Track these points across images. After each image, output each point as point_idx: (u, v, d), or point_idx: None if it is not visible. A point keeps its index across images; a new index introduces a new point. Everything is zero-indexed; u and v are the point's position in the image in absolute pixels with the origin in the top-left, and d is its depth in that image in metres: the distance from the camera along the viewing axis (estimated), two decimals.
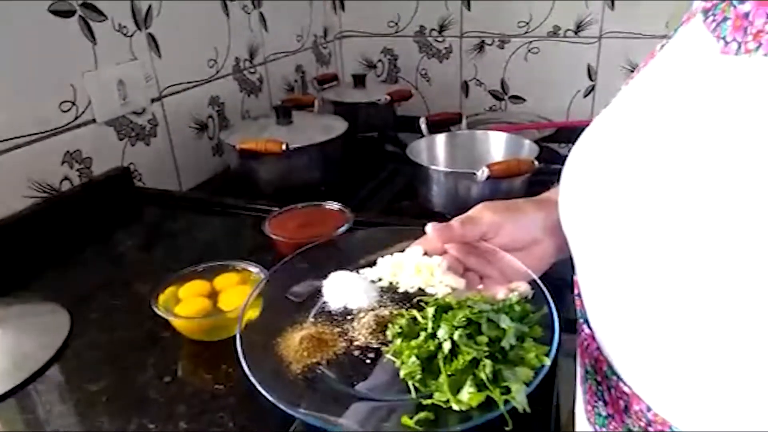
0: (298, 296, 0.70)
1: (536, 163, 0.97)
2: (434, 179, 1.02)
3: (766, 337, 0.29)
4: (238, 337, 0.47)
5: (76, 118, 0.97)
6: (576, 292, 0.49)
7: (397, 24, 1.72)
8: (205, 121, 1.27)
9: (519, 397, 0.38)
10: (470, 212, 0.55)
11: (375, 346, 0.47)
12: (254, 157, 1.08)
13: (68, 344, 0.67)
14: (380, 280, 0.53)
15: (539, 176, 1.10)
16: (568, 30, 1.56)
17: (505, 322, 0.42)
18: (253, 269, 0.70)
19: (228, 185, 1.21)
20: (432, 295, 0.49)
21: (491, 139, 1.16)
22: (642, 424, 0.39)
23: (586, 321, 0.46)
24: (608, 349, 0.42)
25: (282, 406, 0.40)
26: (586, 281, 0.44)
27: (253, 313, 0.66)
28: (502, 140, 1.14)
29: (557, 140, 1.41)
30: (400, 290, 0.52)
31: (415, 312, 0.47)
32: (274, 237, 0.80)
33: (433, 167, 1.02)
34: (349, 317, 0.51)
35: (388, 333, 0.47)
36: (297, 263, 0.59)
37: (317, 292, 0.55)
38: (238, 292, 0.67)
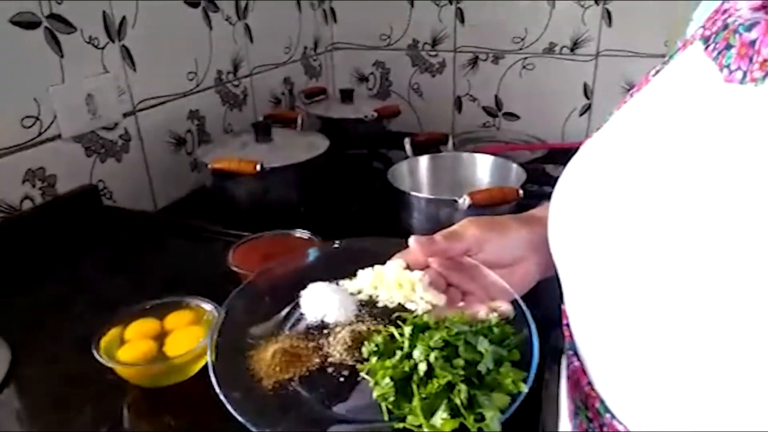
0: (255, 338, 0.66)
1: (521, 192, 0.92)
2: (415, 205, 0.97)
3: (763, 376, 0.28)
4: (210, 363, 0.45)
5: (40, 134, 0.92)
6: (565, 322, 0.47)
7: (389, 37, 1.67)
8: (183, 136, 1.22)
9: (493, 425, 0.37)
10: (455, 227, 0.54)
11: (350, 363, 0.46)
12: (229, 176, 1.03)
13: (6, 383, 0.62)
14: (359, 292, 0.52)
15: (530, 200, 1.06)
16: (564, 47, 1.51)
17: (483, 344, 0.41)
18: (207, 307, 0.66)
19: (204, 204, 1.17)
20: (411, 312, 0.48)
21: (477, 163, 1.11)
22: None
23: (576, 353, 0.44)
24: (600, 383, 0.40)
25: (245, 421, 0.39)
26: (575, 310, 0.42)
27: (203, 360, 0.61)
28: (488, 164, 1.09)
29: (550, 161, 1.36)
30: (380, 305, 0.50)
31: (392, 329, 0.45)
32: (237, 270, 0.75)
33: (413, 193, 0.97)
34: (325, 331, 0.50)
35: (364, 350, 0.45)
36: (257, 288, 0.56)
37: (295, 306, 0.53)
38: (188, 333, 0.62)
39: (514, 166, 1.05)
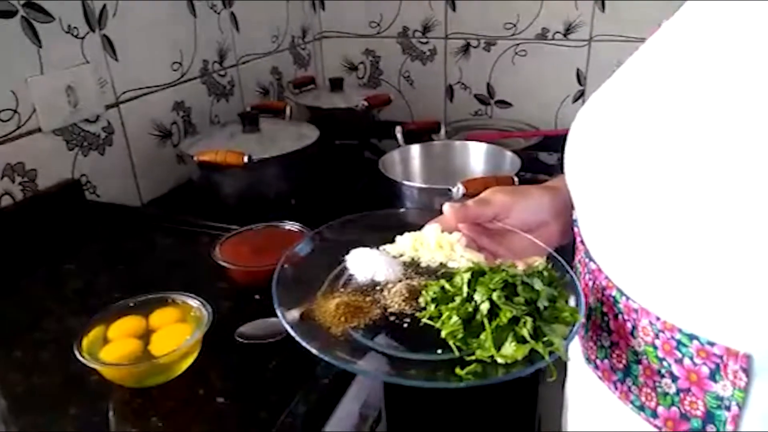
0: (245, 337, 0.64)
1: (516, 180, 0.90)
2: (407, 195, 0.95)
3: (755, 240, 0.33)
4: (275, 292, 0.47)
5: (18, 127, 0.89)
6: (578, 239, 0.52)
7: (379, 24, 1.64)
8: (168, 128, 1.19)
9: (561, 349, 0.42)
10: (483, 194, 0.57)
11: (409, 312, 0.48)
12: (215, 168, 1.00)
13: None
14: (401, 255, 0.54)
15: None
16: (557, 32, 1.49)
17: (538, 284, 0.45)
18: (194, 303, 0.63)
19: (190, 198, 1.14)
20: (455, 269, 0.50)
21: (470, 151, 1.09)
22: (649, 338, 0.42)
23: (591, 259, 0.48)
24: (615, 274, 0.45)
25: (339, 364, 0.42)
26: (589, 221, 0.48)
27: (190, 359, 0.59)
28: (482, 152, 1.07)
29: (543, 148, 1.35)
30: (422, 265, 0.53)
31: (443, 282, 0.48)
32: (223, 264, 0.73)
33: (406, 183, 0.95)
34: (378, 288, 0.51)
35: (421, 300, 0.48)
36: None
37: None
38: (174, 331, 0.60)
39: (509, 153, 1.03)
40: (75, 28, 0.96)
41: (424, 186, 0.97)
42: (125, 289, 0.75)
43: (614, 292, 0.45)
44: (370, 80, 1.73)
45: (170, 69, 1.18)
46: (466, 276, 0.46)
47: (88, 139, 1.01)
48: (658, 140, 0.39)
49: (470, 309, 0.44)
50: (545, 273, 0.48)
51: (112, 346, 0.58)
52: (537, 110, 1.57)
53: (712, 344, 0.38)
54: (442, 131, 1.20)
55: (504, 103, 1.62)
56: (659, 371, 0.42)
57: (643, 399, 0.45)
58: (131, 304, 0.63)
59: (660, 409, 0.43)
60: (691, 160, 0.37)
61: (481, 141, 1.10)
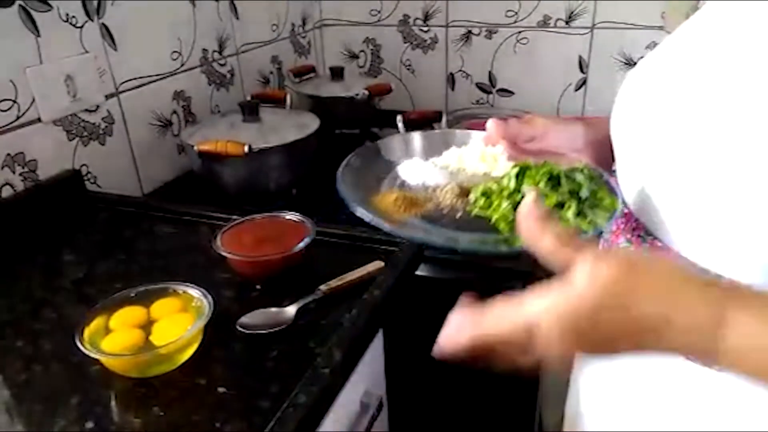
0: (247, 327, 0.64)
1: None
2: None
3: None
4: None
5: (18, 117, 0.89)
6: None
7: (379, 12, 1.63)
8: (168, 118, 1.19)
9: (604, 225, 0.47)
10: (525, 117, 0.61)
11: (460, 206, 0.53)
12: (216, 158, 1.00)
13: None
14: (448, 167, 0.59)
15: None
16: (559, 19, 1.48)
17: (579, 177, 0.51)
18: (195, 293, 0.63)
19: (192, 188, 1.14)
20: (499, 177, 0.54)
21: (472, 139, 1.08)
22: None
23: (624, 204, 0.53)
24: (644, 216, 0.51)
25: (410, 237, 0.51)
26: (626, 169, 0.53)
27: (192, 349, 0.59)
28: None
29: None
30: (468, 173, 0.57)
31: (490, 183, 0.52)
32: (225, 254, 0.72)
33: None
34: (429, 188, 0.56)
35: (471, 196, 0.53)
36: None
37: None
38: (175, 321, 0.60)
39: None
40: (73, 17, 0.96)
41: None
42: (126, 280, 0.75)
43: (641, 233, 0.51)
44: (371, 69, 1.72)
45: (170, 58, 1.18)
46: (514, 171, 0.51)
47: (88, 129, 1.01)
48: (694, 104, 0.45)
49: (518, 198, 0.49)
50: (585, 171, 0.52)
51: (114, 337, 0.58)
52: (539, 98, 1.56)
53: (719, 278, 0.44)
54: (444, 120, 1.19)
55: (506, 92, 1.61)
56: None
57: None
58: (132, 295, 0.63)
59: None
60: (722, 122, 0.42)
61: (482, 130, 1.09)
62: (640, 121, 0.51)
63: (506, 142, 0.58)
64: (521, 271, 0.88)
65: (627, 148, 0.54)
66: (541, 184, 0.49)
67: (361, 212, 0.50)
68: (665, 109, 0.48)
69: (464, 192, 0.54)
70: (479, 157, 0.58)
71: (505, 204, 0.49)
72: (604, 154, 0.60)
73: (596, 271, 0.35)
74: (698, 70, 0.47)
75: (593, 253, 0.36)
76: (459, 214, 0.52)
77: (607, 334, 0.36)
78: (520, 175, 0.51)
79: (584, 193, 0.49)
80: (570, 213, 0.48)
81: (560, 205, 0.48)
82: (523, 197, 0.46)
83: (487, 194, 0.51)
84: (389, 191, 0.55)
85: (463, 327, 0.39)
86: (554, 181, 0.50)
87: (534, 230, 0.39)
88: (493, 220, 0.50)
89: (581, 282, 0.35)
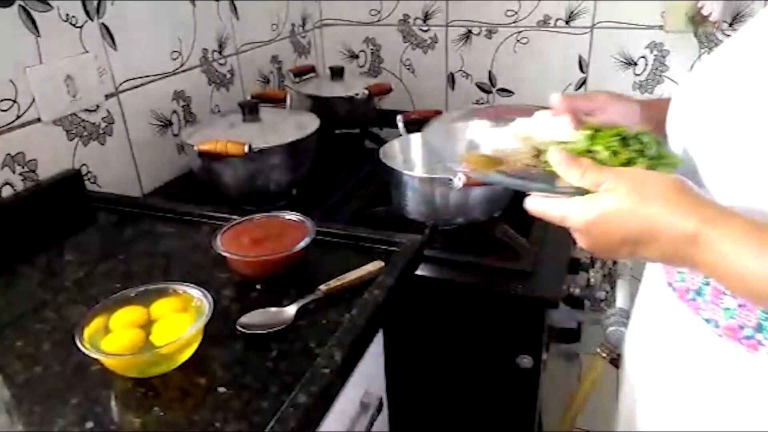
0: (246, 327, 0.64)
1: None
2: (408, 185, 0.95)
3: None
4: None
5: (18, 117, 0.89)
6: None
7: (379, 12, 1.63)
8: (168, 118, 1.19)
9: (673, 173, 0.52)
10: (587, 92, 0.71)
11: (534, 164, 0.59)
12: (216, 158, 1.00)
13: None
14: (518, 134, 0.65)
15: None
16: (559, 19, 1.48)
17: (645, 137, 0.56)
18: (195, 293, 0.63)
19: (192, 188, 1.14)
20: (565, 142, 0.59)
21: (472, 139, 1.08)
22: None
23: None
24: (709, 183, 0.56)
25: (508, 183, 0.58)
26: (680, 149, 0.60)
27: (192, 349, 0.59)
28: (483, 140, 1.06)
29: None
30: (537, 140, 0.63)
31: (560, 145, 0.57)
32: (225, 254, 0.73)
33: (406, 172, 0.94)
34: (506, 151, 0.62)
35: (545, 156, 0.56)
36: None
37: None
38: (175, 321, 0.60)
39: None
40: (73, 17, 0.96)
41: (424, 176, 0.96)
42: (126, 280, 0.76)
43: None
44: (371, 69, 1.72)
45: (170, 58, 1.18)
46: (587, 132, 0.58)
47: (88, 128, 1.01)
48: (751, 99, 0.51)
49: (591, 156, 0.54)
50: (649, 134, 0.58)
51: (114, 336, 0.58)
52: (539, 98, 1.55)
53: None
54: None
55: (506, 91, 1.61)
56: (723, 291, 0.55)
57: (709, 313, 0.57)
58: (132, 294, 0.63)
59: (721, 321, 0.56)
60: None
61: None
62: (698, 115, 0.58)
63: (570, 114, 0.64)
64: (521, 271, 0.88)
65: (683, 136, 0.60)
66: (612, 141, 0.56)
67: (460, 168, 0.60)
68: (722, 104, 0.55)
69: (538, 153, 0.61)
70: (547, 124, 0.65)
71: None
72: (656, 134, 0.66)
73: (611, 195, 0.49)
74: (758, 70, 0.52)
75: (615, 178, 0.49)
76: (535, 170, 0.58)
77: (611, 239, 0.49)
78: (592, 137, 0.58)
79: (651, 152, 0.55)
80: (641, 167, 0.53)
81: (630, 161, 0.54)
82: (594, 155, 0.55)
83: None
84: (470, 154, 0.64)
85: (537, 202, 0.54)
86: (624, 141, 0.56)
87: (570, 162, 0.52)
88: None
89: (600, 203, 0.49)
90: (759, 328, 0.53)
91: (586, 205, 0.50)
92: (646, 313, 0.72)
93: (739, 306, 0.54)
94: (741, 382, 0.56)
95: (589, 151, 0.56)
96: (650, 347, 0.69)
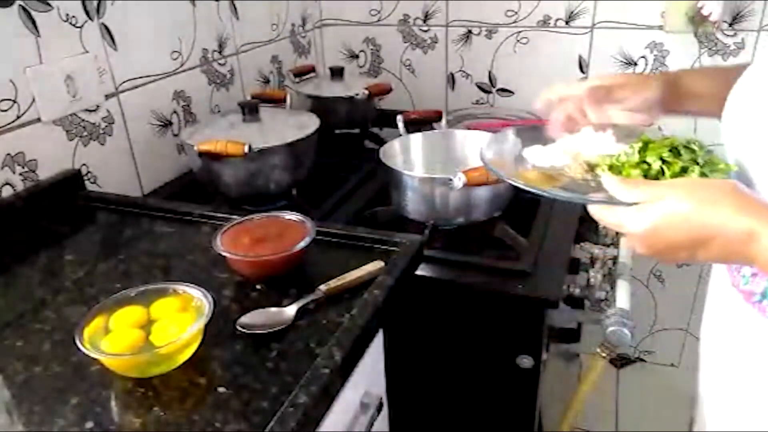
0: (246, 327, 0.64)
1: None
2: (408, 185, 0.95)
3: None
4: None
5: (18, 117, 0.89)
6: None
7: (379, 12, 1.63)
8: (168, 118, 1.19)
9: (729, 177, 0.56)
10: (604, 79, 0.74)
11: (590, 179, 0.63)
12: (216, 158, 1.00)
13: None
14: (568, 151, 0.68)
15: None
16: (559, 19, 1.48)
17: (696, 146, 0.59)
18: (195, 293, 0.63)
19: (192, 188, 1.14)
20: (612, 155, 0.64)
21: (472, 140, 1.08)
22: None
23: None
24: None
25: (557, 195, 0.61)
26: (739, 152, 0.62)
27: (192, 349, 0.59)
28: (483, 140, 1.06)
29: None
30: (584, 156, 0.67)
31: (614, 158, 0.62)
32: (225, 254, 0.73)
33: (406, 172, 0.95)
34: (558, 167, 0.66)
35: (598, 170, 0.62)
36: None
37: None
38: (175, 321, 0.60)
39: None
40: (73, 17, 0.96)
41: (424, 176, 0.96)
42: (126, 280, 0.76)
43: None
44: (371, 69, 1.72)
45: (170, 58, 1.18)
46: (637, 146, 0.61)
47: (88, 129, 1.01)
48: None
49: (644, 168, 0.58)
50: (697, 143, 0.60)
51: (114, 336, 0.58)
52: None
53: None
54: (443, 120, 1.20)
55: (506, 92, 1.61)
56: None
57: None
58: (132, 294, 0.63)
59: None
60: None
61: (482, 130, 1.10)
62: (751, 124, 0.60)
63: (594, 107, 0.70)
64: (521, 271, 0.88)
65: (736, 146, 0.62)
66: (666, 153, 0.58)
67: (517, 183, 0.62)
68: None
69: (592, 167, 0.64)
70: (592, 141, 0.69)
71: (634, 172, 0.59)
72: (669, 105, 0.74)
73: (668, 202, 0.52)
74: None
75: (669, 188, 0.53)
76: (592, 187, 0.62)
77: (670, 244, 0.52)
78: (644, 149, 0.60)
79: (701, 159, 0.58)
80: (695, 176, 0.56)
81: (684, 170, 0.57)
82: (647, 169, 0.59)
83: (613, 167, 0.61)
84: (524, 170, 0.67)
85: (597, 209, 0.58)
86: (675, 151, 0.59)
87: (623, 182, 0.56)
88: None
89: (657, 209, 0.52)
90: None
91: (644, 212, 0.53)
92: (716, 316, 0.73)
93: None
94: None
95: (644, 162, 0.59)
96: (723, 351, 0.71)
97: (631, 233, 0.54)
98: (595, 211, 0.57)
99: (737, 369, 0.68)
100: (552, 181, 0.64)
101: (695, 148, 0.60)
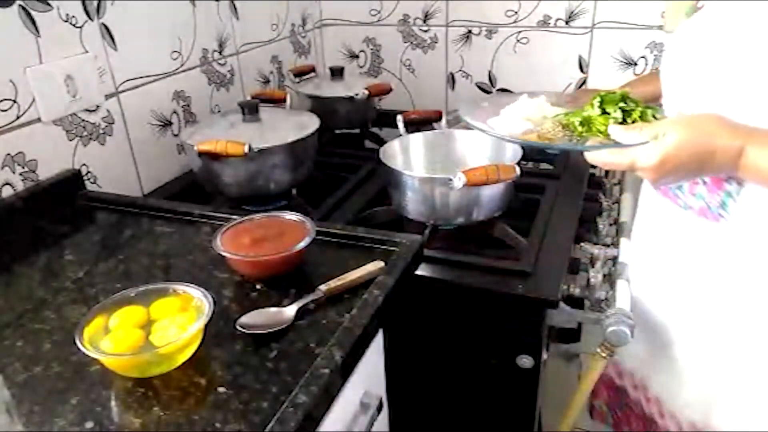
0: (246, 327, 0.64)
1: (518, 169, 0.90)
2: (408, 185, 0.95)
3: None
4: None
5: (18, 117, 0.89)
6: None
7: (379, 12, 1.63)
8: (168, 118, 1.19)
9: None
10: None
11: (567, 134, 0.77)
12: (216, 158, 1.00)
13: None
14: (530, 118, 0.84)
15: (527, 177, 1.04)
16: (559, 19, 1.48)
17: (633, 98, 0.76)
18: (195, 293, 0.63)
19: (192, 188, 1.14)
20: (566, 112, 0.82)
21: (472, 139, 1.08)
22: None
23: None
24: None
25: (552, 146, 0.81)
26: (674, 102, 0.79)
27: (192, 349, 0.59)
28: (483, 141, 1.06)
29: None
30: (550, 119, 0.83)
31: (576, 115, 0.78)
32: (225, 254, 0.73)
33: (406, 172, 0.94)
34: (525, 131, 0.81)
35: (570, 126, 0.77)
36: None
37: None
38: (175, 321, 0.60)
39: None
40: (73, 17, 0.96)
41: (424, 176, 0.96)
42: (126, 280, 0.76)
43: None
44: (371, 69, 1.72)
45: (170, 58, 1.18)
46: (596, 101, 0.75)
47: (88, 129, 1.01)
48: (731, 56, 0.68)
49: (609, 117, 0.73)
50: (632, 97, 0.76)
51: (114, 336, 0.58)
52: (546, 88, 1.56)
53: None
54: (444, 120, 1.19)
55: (505, 91, 1.61)
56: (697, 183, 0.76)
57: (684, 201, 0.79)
58: (132, 294, 0.63)
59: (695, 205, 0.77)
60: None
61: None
62: (688, 78, 0.74)
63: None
64: (521, 271, 0.88)
65: (676, 88, 0.77)
66: (622, 105, 0.73)
67: (513, 139, 0.79)
68: (710, 59, 0.70)
69: (563, 126, 0.78)
70: (532, 106, 0.85)
71: (601, 123, 0.73)
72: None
73: (675, 134, 0.65)
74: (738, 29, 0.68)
75: (669, 124, 0.67)
76: (571, 139, 0.76)
77: (682, 165, 0.66)
78: (601, 103, 0.74)
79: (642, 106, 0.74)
80: (651, 119, 0.73)
81: (641, 115, 0.72)
82: (607, 116, 0.73)
83: (583, 122, 0.76)
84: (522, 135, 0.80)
85: (601, 155, 0.72)
86: (626, 102, 0.74)
87: (626, 128, 0.71)
88: (599, 131, 0.74)
89: (668, 140, 0.65)
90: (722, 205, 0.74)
91: (657, 147, 0.66)
92: (647, 219, 0.91)
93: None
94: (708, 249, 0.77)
95: (606, 113, 0.73)
96: (649, 246, 0.89)
97: (645, 167, 0.67)
98: (606, 157, 0.70)
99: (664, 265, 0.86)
100: (546, 140, 0.77)
101: (633, 97, 0.75)
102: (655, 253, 0.88)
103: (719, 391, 0.82)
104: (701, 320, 0.82)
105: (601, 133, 0.74)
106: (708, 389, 0.84)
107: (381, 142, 1.35)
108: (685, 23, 0.76)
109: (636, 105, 0.74)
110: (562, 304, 0.86)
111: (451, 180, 0.89)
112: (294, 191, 1.14)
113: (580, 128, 0.76)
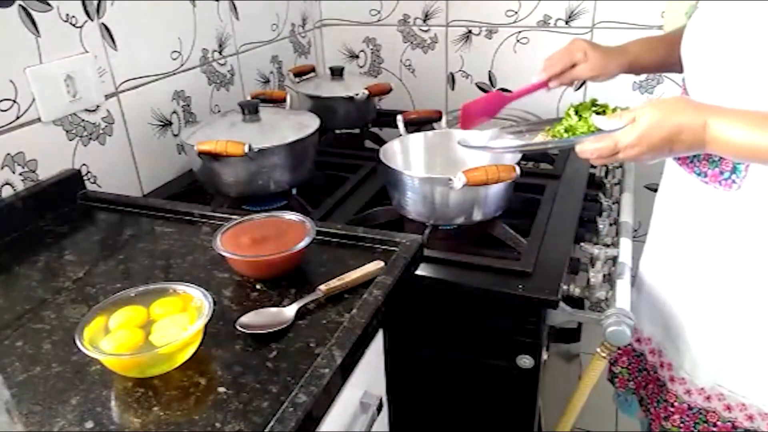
0: (246, 327, 0.64)
1: (517, 169, 0.90)
2: (408, 185, 0.95)
3: None
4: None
5: (18, 117, 0.89)
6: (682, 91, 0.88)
7: (379, 12, 1.63)
8: (168, 118, 1.19)
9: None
10: (568, 46, 1.01)
11: (557, 139, 0.84)
12: (216, 158, 1.00)
13: None
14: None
15: (527, 178, 1.04)
16: (559, 19, 1.48)
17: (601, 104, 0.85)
18: (195, 293, 0.63)
19: (192, 188, 1.14)
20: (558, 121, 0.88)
21: (472, 140, 1.07)
22: None
23: None
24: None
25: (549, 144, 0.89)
26: (696, 86, 0.83)
27: (192, 349, 0.59)
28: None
29: None
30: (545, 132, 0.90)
31: (560, 125, 0.86)
32: (225, 254, 0.73)
33: (406, 172, 0.94)
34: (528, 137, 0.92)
35: (556, 132, 0.85)
36: None
37: None
38: (175, 321, 0.60)
39: None
40: (73, 17, 0.96)
41: (424, 176, 0.96)
42: (126, 279, 0.76)
43: None
44: (371, 69, 1.72)
45: (170, 58, 1.18)
46: (572, 110, 0.84)
47: (88, 129, 1.01)
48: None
49: (587, 121, 0.80)
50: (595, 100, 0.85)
51: (114, 336, 0.58)
52: (539, 99, 1.55)
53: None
54: (444, 121, 1.20)
55: (506, 92, 1.60)
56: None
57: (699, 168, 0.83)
58: (132, 294, 0.63)
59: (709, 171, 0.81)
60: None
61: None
62: (709, 47, 0.79)
63: (556, 80, 1.03)
64: (521, 271, 0.88)
65: (699, 67, 0.82)
66: (594, 109, 0.82)
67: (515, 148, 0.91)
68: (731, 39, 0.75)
69: (551, 133, 0.86)
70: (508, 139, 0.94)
71: (582, 126, 0.81)
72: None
73: (647, 114, 0.72)
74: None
75: (644, 107, 0.73)
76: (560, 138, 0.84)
77: (655, 142, 0.71)
78: (577, 111, 0.83)
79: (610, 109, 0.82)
80: (609, 112, 0.80)
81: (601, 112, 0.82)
82: (586, 118, 0.81)
83: (567, 129, 0.83)
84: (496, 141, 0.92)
85: (588, 145, 0.77)
86: (594, 105, 0.83)
87: (608, 117, 0.77)
88: (583, 133, 0.81)
89: (642, 120, 0.72)
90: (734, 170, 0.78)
91: (634, 127, 0.72)
92: (668, 193, 0.94)
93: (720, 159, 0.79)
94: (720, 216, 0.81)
95: (582, 117, 0.82)
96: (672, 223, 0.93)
97: (625, 144, 0.73)
98: (594, 144, 0.76)
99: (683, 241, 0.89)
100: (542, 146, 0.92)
101: (601, 104, 0.84)
102: (672, 221, 0.92)
103: (730, 356, 0.85)
104: (714, 287, 0.85)
105: (584, 134, 0.81)
106: (718, 354, 0.86)
107: (381, 142, 1.35)
108: (706, 4, 0.80)
109: (606, 106, 0.83)
110: (562, 304, 0.86)
111: (451, 180, 0.89)
112: (294, 191, 1.14)
113: (566, 135, 0.83)
